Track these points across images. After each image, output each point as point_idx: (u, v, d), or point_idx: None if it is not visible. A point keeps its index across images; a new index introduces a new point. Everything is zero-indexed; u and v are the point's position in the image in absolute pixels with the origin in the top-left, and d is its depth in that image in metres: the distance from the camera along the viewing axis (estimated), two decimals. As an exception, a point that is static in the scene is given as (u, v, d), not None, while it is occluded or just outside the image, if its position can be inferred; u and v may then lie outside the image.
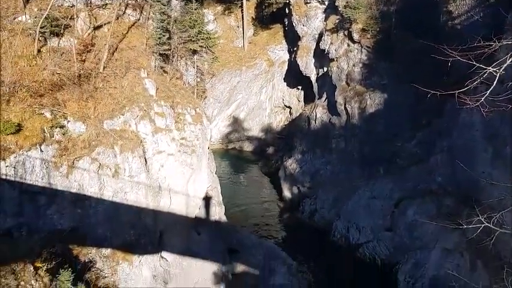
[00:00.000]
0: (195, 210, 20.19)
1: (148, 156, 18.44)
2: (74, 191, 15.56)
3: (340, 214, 30.29)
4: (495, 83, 7.11)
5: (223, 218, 22.38)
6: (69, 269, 13.58)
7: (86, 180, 15.83)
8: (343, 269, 26.10)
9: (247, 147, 48.40)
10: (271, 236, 30.47)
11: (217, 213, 21.63)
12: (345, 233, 29.14)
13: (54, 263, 13.39)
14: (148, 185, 18.04)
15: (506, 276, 8.26)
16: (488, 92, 7.13)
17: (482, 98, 7.13)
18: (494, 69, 7.16)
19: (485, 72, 7.25)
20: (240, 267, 19.77)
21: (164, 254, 17.68)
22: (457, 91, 7.50)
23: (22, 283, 12.39)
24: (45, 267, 13.08)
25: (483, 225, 7.64)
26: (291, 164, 37.55)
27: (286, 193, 36.30)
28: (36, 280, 12.68)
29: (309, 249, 28.58)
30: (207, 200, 21.24)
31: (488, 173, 21.12)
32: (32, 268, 12.84)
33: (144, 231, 17.32)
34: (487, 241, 10.08)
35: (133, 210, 17.34)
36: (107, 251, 16.06)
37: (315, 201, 33.23)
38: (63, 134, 15.90)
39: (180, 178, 19.48)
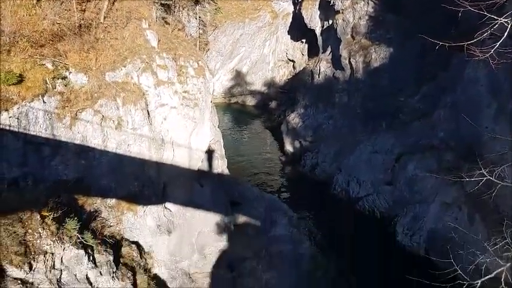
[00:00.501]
0: (198, 163, 20.35)
1: (151, 109, 18.38)
2: (77, 142, 15.64)
3: (341, 168, 30.62)
4: (506, 33, 6.94)
5: (226, 171, 22.59)
6: (75, 218, 13.88)
7: (89, 132, 15.87)
8: (342, 221, 26.63)
9: (250, 101, 48.19)
10: (273, 188, 30.94)
11: (220, 166, 21.81)
12: (345, 187, 29.57)
13: (60, 212, 13.65)
14: (151, 138, 18.10)
15: (505, 229, 8.43)
16: (499, 43, 6.98)
17: (492, 50, 6.99)
18: (506, 20, 6.97)
19: (496, 24, 7.07)
20: (241, 219, 20.19)
21: (168, 204, 18.00)
22: (466, 42, 7.35)
23: (30, 231, 12.69)
24: (51, 216, 13.34)
25: (485, 178, 7.70)
26: (294, 119, 37.51)
27: (288, 147, 36.52)
28: (43, 228, 12.98)
29: (310, 201, 29.09)
30: (209, 153, 21.37)
31: (492, 128, 21.12)
32: (38, 217, 13.11)
33: (148, 182, 17.56)
34: (487, 195, 10.21)
35: (136, 162, 17.49)
36: (111, 201, 16.35)
37: (316, 155, 33.49)
38: (65, 86, 15.77)
39: (183, 131, 19.50)
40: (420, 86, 28.88)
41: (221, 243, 18.77)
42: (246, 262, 19.15)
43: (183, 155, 19.33)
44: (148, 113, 18.23)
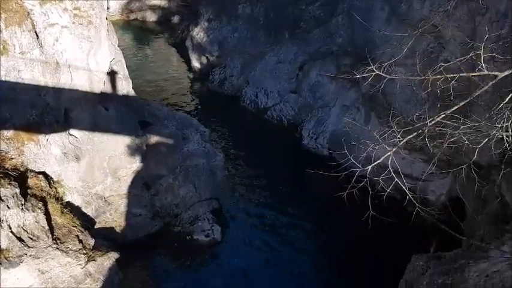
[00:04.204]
0: (100, 85, 19.37)
1: (40, 30, 16.77)
2: (-43, 72, 14.07)
3: (249, 80, 31.11)
4: None
5: (132, 92, 21.82)
6: (-30, 153, 12.96)
7: (-31, 59, 14.28)
8: (253, 132, 27.78)
9: (150, 17, 45.66)
10: (183, 106, 30.83)
11: (125, 87, 20.97)
12: (254, 99, 30.31)
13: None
14: (44, 62, 16.75)
15: (391, 118, 9.45)
16: None
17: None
18: None
19: None
20: (153, 139, 20.04)
21: (72, 131, 17.25)
22: None
23: None
24: None
25: (374, 73, 8.38)
26: (198, 34, 36.47)
27: (195, 63, 35.90)
28: None
29: (221, 116, 29.63)
30: (112, 74, 20.37)
31: (383, 32, 22.34)
32: None
33: (47, 109, 16.53)
34: (376, 90, 11.16)
35: (31, 89, 16.28)
36: (9, 133, 15.31)
37: (224, 70, 33.47)
38: None
39: (79, 52, 18.22)
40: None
41: (134, 164, 18.70)
42: (161, 180, 19.44)
43: (83, 78, 18.25)
44: (37, 35, 16.66)
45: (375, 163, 8.07)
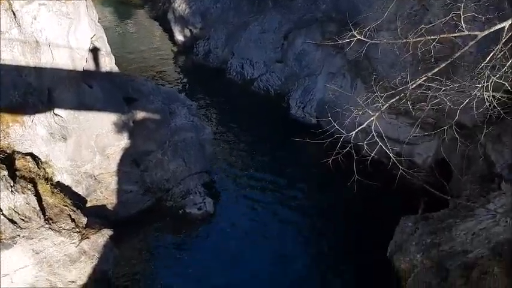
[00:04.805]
0: (82, 62, 19.04)
1: (16, 9, 16.32)
2: None
3: (234, 52, 30.79)
4: None
5: (115, 69, 21.48)
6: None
7: None
8: (240, 103, 27.71)
9: (130, -10, 44.57)
10: (168, 81, 30.53)
11: (107, 64, 20.62)
12: (240, 70, 30.07)
13: None
14: (23, 41, 16.39)
15: (374, 83, 9.48)
16: None
17: None
18: None
19: None
20: (140, 115, 19.88)
21: (57, 111, 17.05)
22: None
23: None
24: None
25: (356, 38, 8.36)
26: (180, 5, 35.71)
27: (179, 37, 35.32)
28: None
29: (207, 89, 29.45)
30: (94, 51, 20.02)
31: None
32: None
33: (30, 90, 16.28)
34: (358, 55, 11.15)
35: (12, 70, 15.99)
36: (-8, 116, 15.14)
37: (208, 42, 33.02)
38: None
39: (58, 30, 17.80)
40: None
41: (122, 141, 18.62)
42: (150, 155, 19.42)
43: (64, 56, 17.90)
44: (14, 14, 16.25)
45: (359, 128, 8.15)
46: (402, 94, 8.25)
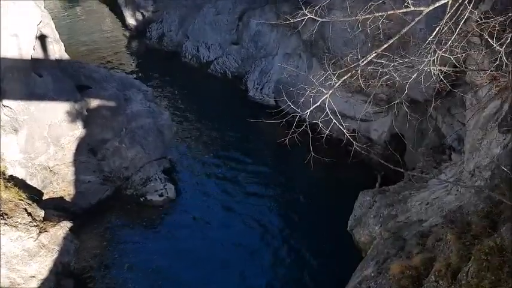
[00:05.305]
0: (30, 51, 18.22)
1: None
2: None
3: (188, 35, 30.34)
4: None
5: (65, 56, 20.76)
6: None
7: None
8: (197, 87, 27.42)
9: (76, -26, 42.73)
10: (122, 66, 29.80)
11: (57, 51, 19.86)
12: (195, 53, 29.70)
13: None
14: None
15: (326, 61, 9.61)
16: None
17: None
18: None
19: None
20: (94, 102, 19.35)
21: (6, 102, 16.33)
22: None
23: None
24: None
25: (307, 17, 8.41)
26: (130, -12, 34.69)
27: (130, 20, 34.37)
28: None
29: (163, 73, 28.98)
30: (41, 38, 19.20)
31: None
32: None
33: (-26, 82, 15.53)
34: (310, 33, 11.23)
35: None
36: None
37: (161, 25, 32.36)
38: None
39: (1, 18, 16.96)
40: None
41: (77, 131, 18.12)
42: (107, 144, 19.03)
43: (9, 44, 17.10)
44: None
45: (313, 107, 8.26)
46: (354, 71, 8.41)
